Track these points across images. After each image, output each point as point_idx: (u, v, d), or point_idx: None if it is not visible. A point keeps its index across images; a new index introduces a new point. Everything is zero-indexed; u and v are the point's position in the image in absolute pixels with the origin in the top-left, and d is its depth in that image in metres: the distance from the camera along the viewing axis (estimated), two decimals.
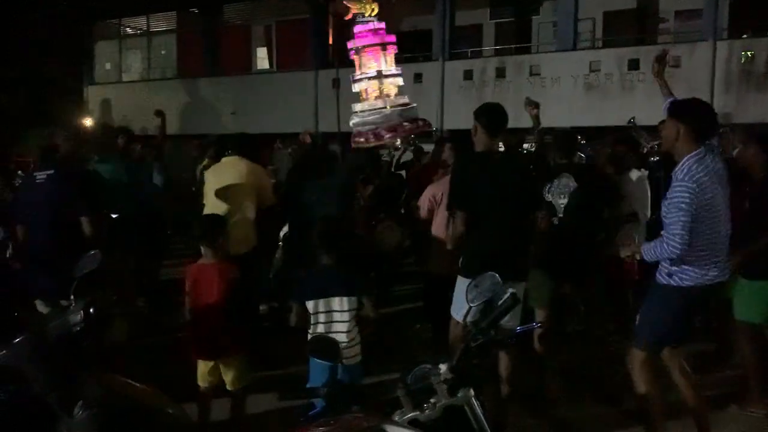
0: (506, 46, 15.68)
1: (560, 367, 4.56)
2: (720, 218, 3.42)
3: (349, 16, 7.56)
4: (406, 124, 7.34)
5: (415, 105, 7.91)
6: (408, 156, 9.43)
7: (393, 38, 7.85)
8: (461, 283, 4.08)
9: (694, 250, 3.38)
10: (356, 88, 7.70)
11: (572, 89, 13.22)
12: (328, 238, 3.64)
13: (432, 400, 1.99)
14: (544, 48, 15.26)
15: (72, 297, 2.52)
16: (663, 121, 4.02)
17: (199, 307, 3.82)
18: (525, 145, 7.83)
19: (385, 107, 7.55)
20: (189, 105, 17.56)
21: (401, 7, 15.75)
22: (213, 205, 5.06)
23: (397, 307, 6.91)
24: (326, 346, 2.41)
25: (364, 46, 7.54)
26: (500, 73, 14.31)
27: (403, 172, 8.74)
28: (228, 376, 3.88)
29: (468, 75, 14.67)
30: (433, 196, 5.06)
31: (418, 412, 1.99)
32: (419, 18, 16.69)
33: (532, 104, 5.41)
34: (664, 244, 3.36)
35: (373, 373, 4.75)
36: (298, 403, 3.34)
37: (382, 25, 7.65)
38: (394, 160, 9.57)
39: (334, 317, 3.49)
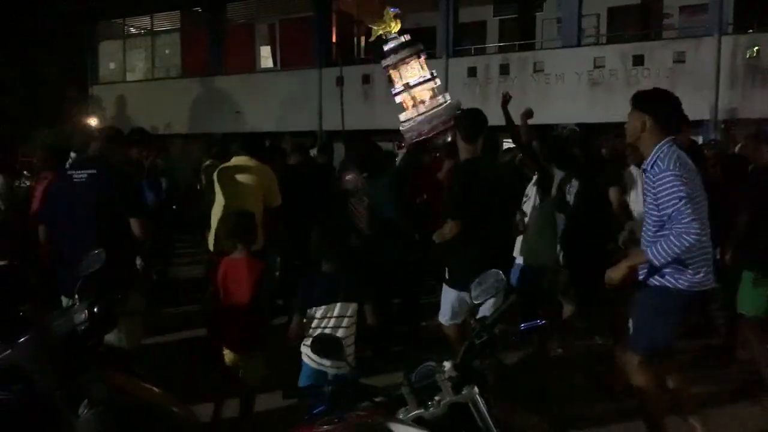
0: (510, 43, 15.64)
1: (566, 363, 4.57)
2: (705, 215, 3.27)
3: (373, 39, 7.92)
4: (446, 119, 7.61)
5: (449, 102, 8.10)
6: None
7: (421, 45, 8.28)
8: (447, 292, 4.14)
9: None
10: (398, 99, 8.17)
11: (576, 85, 13.19)
12: (329, 244, 3.63)
13: (436, 398, 1.99)
14: (548, 44, 15.23)
15: (76, 296, 2.52)
16: None
17: (228, 300, 3.95)
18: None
19: (426, 112, 7.93)
20: (193, 104, 17.59)
21: (405, 4, 15.69)
22: (222, 204, 5.13)
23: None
24: (330, 345, 2.41)
25: (401, 60, 7.98)
26: (504, 69, 14.28)
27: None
28: (246, 371, 3.95)
29: (472, 72, 14.65)
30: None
31: (422, 410, 1.99)
32: (423, 15, 16.65)
33: (527, 114, 5.28)
34: (680, 239, 3.09)
35: (377, 371, 4.77)
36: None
37: (409, 37, 8.05)
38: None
39: (334, 323, 3.48)
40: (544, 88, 13.60)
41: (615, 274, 3.35)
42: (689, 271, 3.27)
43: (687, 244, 3.10)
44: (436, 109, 7.91)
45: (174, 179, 8.33)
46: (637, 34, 14.22)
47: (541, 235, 4.67)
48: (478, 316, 2.19)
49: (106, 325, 2.62)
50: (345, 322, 3.48)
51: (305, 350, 3.52)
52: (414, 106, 8.01)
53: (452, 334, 4.16)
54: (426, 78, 8.10)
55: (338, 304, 3.47)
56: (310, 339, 3.49)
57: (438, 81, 8.26)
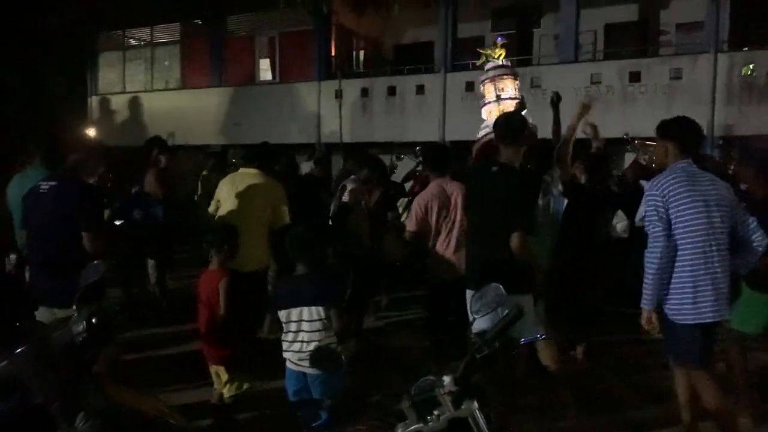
0: (508, 58, 15.69)
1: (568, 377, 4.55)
2: (705, 241, 3.40)
3: (481, 61, 8.38)
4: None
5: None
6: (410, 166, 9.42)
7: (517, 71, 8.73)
8: (468, 295, 4.11)
9: (677, 273, 3.42)
10: (484, 112, 8.57)
11: (574, 101, 13.16)
12: (300, 245, 3.62)
13: (436, 412, 1.98)
14: (546, 60, 15.31)
15: (75, 307, 2.51)
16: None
17: (203, 312, 4.01)
18: None
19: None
20: (192, 116, 17.62)
21: (404, 19, 15.84)
22: (226, 217, 4.97)
23: (402, 317, 6.94)
24: (326, 356, 2.40)
25: (499, 75, 8.50)
26: None
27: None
28: (222, 383, 3.97)
29: (470, 87, 14.67)
30: (423, 206, 4.90)
31: (422, 425, 1.98)
32: (421, 30, 16.77)
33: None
34: (647, 257, 3.48)
35: (379, 384, 4.75)
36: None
37: (508, 63, 8.66)
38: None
39: (303, 327, 3.46)
40: (541, 103, 13.58)
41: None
42: (688, 303, 3.43)
43: (649, 262, 3.45)
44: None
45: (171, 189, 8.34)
46: (634, 51, 14.31)
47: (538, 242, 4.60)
48: (476, 330, 2.18)
49: (105, 337, 2.61)
50: (309, 326, 3.44)
51: (285, 354, 3.52)
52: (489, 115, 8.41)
53: None
54: (514, 96, 8.62)
55: (304, 308, 3.45)
56: (286, 343, 3.51)
57: (524, 104, 8.70)
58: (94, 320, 2.43)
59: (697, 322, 3.42)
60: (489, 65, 8.53)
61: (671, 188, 3.44)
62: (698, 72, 12.55)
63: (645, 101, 12.39)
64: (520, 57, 15.65)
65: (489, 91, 8.59)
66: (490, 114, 8.41)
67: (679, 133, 3.62)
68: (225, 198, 5.08)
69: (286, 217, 5.10)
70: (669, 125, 3.69)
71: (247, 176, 5.12)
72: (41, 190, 3.97)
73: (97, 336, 2.50)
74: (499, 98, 8.31)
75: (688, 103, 11.51)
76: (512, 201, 3.86)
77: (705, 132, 12.06)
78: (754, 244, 3.54)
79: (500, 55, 8.76)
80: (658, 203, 3.44)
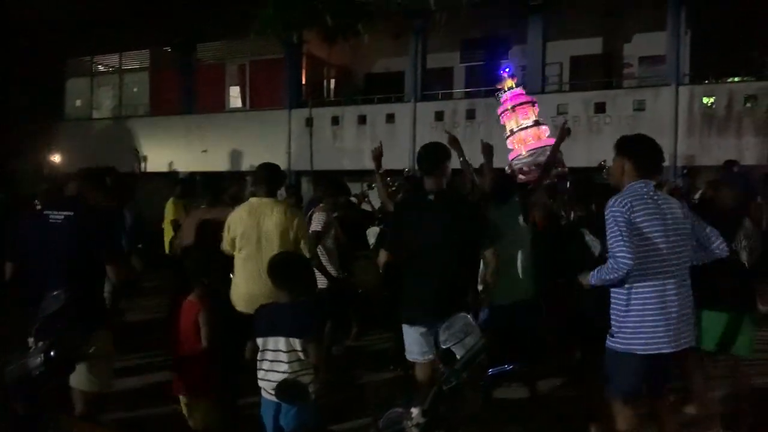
0: (476, 89, 16.00)
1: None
2: (661, 261, 3.26)
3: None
4: (526, 168, 8.32)
5: (545, 146, 8.52)
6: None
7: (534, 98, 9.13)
8: (406, 329, 4.08)
9: (629, 300, 3.28)
10: (510, 143, 8.82)
11: None
12: (281, 274, 3.58)
13: None
14: None
15: (32, 339, 2.43)
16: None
17: (181, 342, 3.91)
18: None
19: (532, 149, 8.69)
20: (160, 143, 17.49)
21: (374, 49, 16.03)
22: (247, 255, 4.46)
23: (373, 347, 6.89)
24: (294, 389, 2.36)
25: (519, 104, 8.74)
26: (470, 114, 14.58)
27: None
28: (192, 416, 3.87)
29: (439, 116, 14.90)
30: None
31: None
32: (392, 60, 16.99)
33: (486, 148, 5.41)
34: (609, 262, 3.26)
35: (346, 416, 4.70)
36: None
37: (522, 91, 9.17)
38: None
39: (279, 357, 3.41)
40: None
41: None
42: (642, 332, 3.26)
43: (613, 271, 3.24)
44: (542, 149, 8.47)
45: (140, 218, 8.23)
46: (598, 83, 14.68)
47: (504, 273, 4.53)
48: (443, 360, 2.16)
49: (63, 369, 2.52)
50: (286, 356, 3.37)
51: (261, 383, 3.46)
52: (522, 143, 8.64)
53: (423, 374, 4.01)
54: (533, 123, 8.82)
55: (281, 338, 3.40)
56: (262, 371, 3.45)
57: (545, 127, 8.93)
58: (52, 353, 2.35)
59: (648, 352, 3.25)
60: (504, 96, 8.71)
61: (636, 206, 3.27)
62: (661, 104, 12.91)
63: (610, 132, 12.67)
64: (488, 88, 15.94)
65: (510, 122, 8.80)
66: (517, 142, 8.62)
67: (638, 152, 3.46)
68: (246, 234, 4.48)
69: (311, 250, 4.73)
70: (628, 142, 3.54)
71: (266, 207, 4.53)
72: (52, 220, 3.78)
73: (55, 369, 2.42)
74: (521, 128, 8.58)
75: (651, 134, 11.49)
76: (470, 224, 3.93)
77: (668, 162, 12.44)
78: (716, 252, 3.51)
79: (511, 85, 9.07)
80: (621, 219, 3.24)
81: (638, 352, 3.28)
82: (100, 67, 20.41)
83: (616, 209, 3.28)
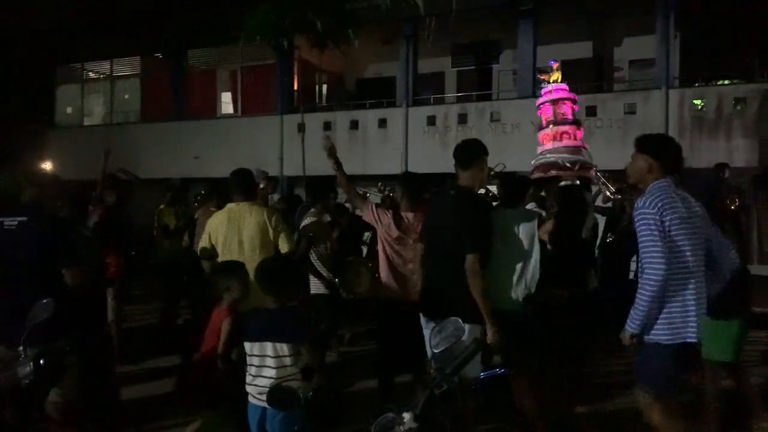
0: (468, 93, 16.05)
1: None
2: (686, 261, 3.30)
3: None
4: (568, 164, 7.87)
5: (581, 147, 8.38)
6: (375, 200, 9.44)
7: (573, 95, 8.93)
8: (422, 321, 4.07)
9: (673, 293, 3.31)
10: (540, 134, 8.76)
11: (532, 135, 13.42)
12: (270, 279, 3.57)
13: None
14: (505, 95, 15.65)
15: (21, 348, 2.41)
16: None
17: (201, 352, 3.92)
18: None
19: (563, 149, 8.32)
20: (152, 149, 17.44)
21: (366, 54, 16.07)
22: (231, 258, 4.51)
23: (366, 352, 6.87)
24: (284, 395, 2.35)
25: (558, 99, 8.68)
26: (462, 119, 14.60)
27: None
28: (204, 427, 3.85)
29: (431, 121, 14.93)
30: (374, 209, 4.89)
31: None
32: (384, 65, 17.04)
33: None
34: (643, 276, 3.26)
35: (339, 422, 4.68)
36: None
37: (565, 86, 8.89)
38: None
39: (267, 362, 3.40)
40: (500, 136, 13.93)
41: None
42: (670, 322, 3.32)
43: (651, 286, 3.25)
44: (572, 149, 8.28)
45: (132, 225, 8.20)
46: (589, 86, 14.73)
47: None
48: (436, 365, 2.16)
49: (53, 378, 2.50)
50: (273, 362, 3.37)
51: (248, 388, 3.45)
52: (553, 140, 8.49)
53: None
54: (572, 121, 8.78)
55: (268, 344, 3.39)
56: (249, 376, 3.43)
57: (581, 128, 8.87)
58: (41, 361, 2.33)
59: (687, 340, 3.32)
60: (546, 89, 8.60)
61: (665, 205, 3.30)
62: (651, 107, 12.98)
63: (601, 135, 12.73)
64: (480, 92, 16.00)
65: (546, 114, 8.71)
66: (545, 138, 8.49)
67: (666, 150, 3.52)
68: (228, 238, 4.59)
69: (291, 244, 4.76)
70: (654, 141, 3.58)
71: (244, 211, 4.64)
72: (6, 227, 3.75)
73: (45, 378, 2.40)
74: (556, 122, 8.44)
75: None
76: (462, 224, 3.81)
77: None
78: (729, 263, 3.62)
79: (557, 78, 8.97)
80: (653, 222, 3.27)
81: (668, 342, 3.34)
82: (91, 74, 20.36)
83: (647, 211, 3.31)
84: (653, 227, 3.26)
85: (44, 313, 2.58)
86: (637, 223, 3.34)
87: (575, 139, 8.59)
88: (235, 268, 4.13)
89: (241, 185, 4.78)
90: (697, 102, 12.81)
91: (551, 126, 8.51)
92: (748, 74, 13.08)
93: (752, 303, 4.62)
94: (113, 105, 19.78)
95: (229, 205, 4.76)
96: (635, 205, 3.44)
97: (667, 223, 3.29)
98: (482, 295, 3.69)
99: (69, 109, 20.56)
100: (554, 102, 8.68)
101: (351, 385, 5.83)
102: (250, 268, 3.95)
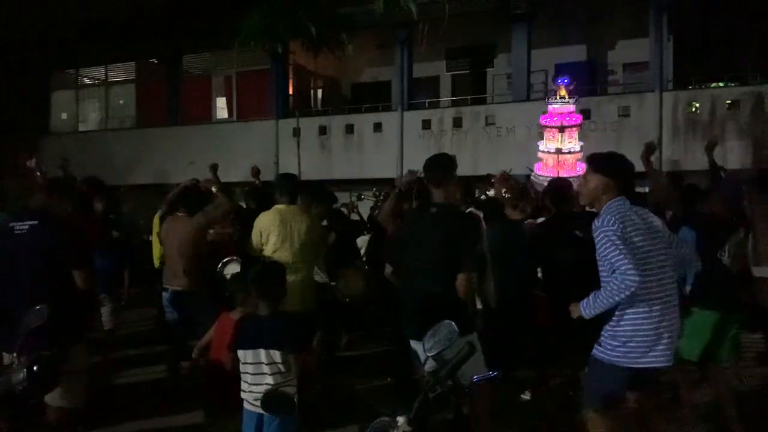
0: (462, 97, 16.08)
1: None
2: (653, 275, 3.21)
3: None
4: None
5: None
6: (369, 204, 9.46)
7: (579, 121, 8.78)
8: (412, 344, 4.00)
9: (622, 313, 3.24)
10: (542, 155, 8.67)
11: (527, 138, 13.57)
12: (265, 283, 3.57)
13: None
14: (499, 99, 15.70)
15: (15, 354, 2.41)
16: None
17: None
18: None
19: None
20: (147, 155, 17.43)
21: (361, 59, 16.09)
22: (279, 257, 4.71)
23: (362, 356, 6.87)
24: (279, 400, 2.35)
25: (568, 126, 8.61)
26: (457, 122, 14.63)
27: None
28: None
29: (426, 124, 14.96)
30: None
31: None
32: (379, 69, 17.07)
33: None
34: (613, 281, 3.14)
35: (334, 426, 4.68)
36: None
37: (573, 109, 8.72)
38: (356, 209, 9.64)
39: (262, 369, 3.39)
40: (495, 140, 13.97)
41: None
42: (628, 346, 3.23)
43: (618, 291, 3.12)
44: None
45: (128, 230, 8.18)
46: (583, 90, 14.78)
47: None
48: (429, 369, 2.17)
49: (47, 385, 2.50)
50: (268, 368, 3.36)
51: (243, 395, 3.44)
52: (555, 166, 8.50)
53: None
54: (577, 150, 8.72)
55: (262, 351, 3.39)
56: (245, 384, 3.43)
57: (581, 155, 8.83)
58: (35, 368, 2.33)
59: (646, 365, 3.21)
60: (553, 107, 8.47)
61: (625, 221, 3.23)
62: (645, 110, 13.02)
63: (595, 138, 12.75)
64: (474, 96, 16.04)
65: (550, 138, 8.62)
66: (546, 161, 8.38)
67: (620, 170, 3.42)
68: (278, 239, 4.81)
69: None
70: (608, 161, 3.46)
71: (293, 213, 4.95)
72: (17, 231, 3.75)
73: (39, 384, 2.40)
74: (560, 151, 8.42)
75: (637, 140, 11.88)
76: (456, 242, 3.78)
77: (654, 166, 12.54)
78: (693, 268, 3.67)
79: (563, 95, 8.92)
80: (616, 237, 3.16)
81: (624, 365, 3.24)
82: (86, 80, 20.34)
83: (607, 228, 3.21)
84: (618, 242, 3.15)
85: (38, 319, 2.58)
86: (599, 244, 3.23)
87: (573, 169, 8.64)
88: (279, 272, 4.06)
89: (292, 188, 5.15)
90: (692, 104, 12.86)
91: (558, 153, 8.54)
92: (741, 77, 13.15)
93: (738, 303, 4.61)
94: (108, 111, 19.74)
95: (280, 207, 5.02)
96: (593, 228, 3.31)
97: (631, 238, 3.20)
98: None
99: (64, 115, 20.51)
100: (562, 129, 8.67)
101: (347, 388, 5.83)
102: (299, 268, 4.41)
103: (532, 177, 8.68)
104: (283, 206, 4.99)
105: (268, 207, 5.21)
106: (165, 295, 5.32)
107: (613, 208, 3.31)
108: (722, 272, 4.41)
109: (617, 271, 3.13)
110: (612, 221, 3.22)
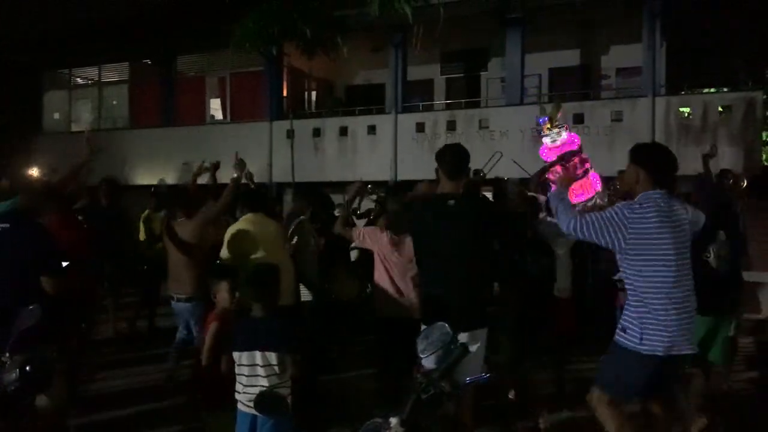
0: (456, 101, 16.11)
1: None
2: (670, 270, 3.30)
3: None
4: None
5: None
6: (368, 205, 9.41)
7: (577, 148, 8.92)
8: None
9: (638, 299, 3.35)
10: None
11: (520, 142, 13.60)
12: (259, 285, 3.57)
13: None
14: (493, 102, 15.73)
15: (8, 354, 2.41)
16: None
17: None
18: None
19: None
20: (141, 156, 17.38)
21: (355, 61, 16.09)
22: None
23: (356, 358, 6.87)
24: (272, 402, 2.36)
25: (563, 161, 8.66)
26: (451, 126, 14.65)
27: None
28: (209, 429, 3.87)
29: (420, 128, 14.97)
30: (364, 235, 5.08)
31: None
32: (373, 72, 17.09)
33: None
34: (571, 216, 3.50)
35: (326, 427, 4.68)
36: None
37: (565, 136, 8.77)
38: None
39: (257, 371, 3.39)
40: (489, 143, 13.98)
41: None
42: (649, 331, 3.31)
43: (564, 219, 3.52)
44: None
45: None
46: (577, 94, 14.84)
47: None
48: (423, 370, 2.18)
49: (39, 385, 2.50)
50: (263, 370, 3.37)
51: (237, 396, 3.44)
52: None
53: None
54: (584, 173, 8.78)
55: (257, 353, 3.39)
56: (239, 385, 3.43)
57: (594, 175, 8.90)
58: (27, 368, 2.33)
59: (656, 353, 3.29)
60: (548, 142, 8.31)
61: (643, 210, 3.34)
62: (638, 114, 13.08)
63: (588, 142, 12.72)
64: (468, 99, 16.08)
65: (556, 172, 8.54)
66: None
67: (652, 161, 3.50)
68: (248, 247, 5.10)
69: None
70: (643, 151, 3.59)
71: (257, 222, 5.26)
72: None
73: (31, 384, 2.40)
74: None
75: (629, 144, 11.75)
76: (483, 232, 3.89)
77: None
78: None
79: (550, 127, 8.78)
80: (611, 212, 3.39)
81: (643, 352, 3.32)
82: (79, 80, 20.26)
83: (618, 207, 3.44)
84: (608, 213, 3.41)
85: (31, 319, 2.57)
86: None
87: (586, 188, 8.59)
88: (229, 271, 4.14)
89: (256, 199, 5.49)
90: (685, 109, 12.93)
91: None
92: (733, 82, 13.24)
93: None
94: (101, 111, 19.68)
95: (249, 215, 5.30)
96: None
97: (649, 228, 3.32)
98: None
99: (56, 115, 20.43)
100: (563, 159, 8.53)
101: (340, 389, 5.84)
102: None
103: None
104: (252, 215, 5.28)
105: (263, 209, 5.30)
106: (173, 303, 5.43)
107: (643, 197, 3.44)
108: (710, 275, 4.40)
109: (580, 218, 3.47)
110: (629, 205, 3.41)
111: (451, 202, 3.88)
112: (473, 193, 4.08)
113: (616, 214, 3.38)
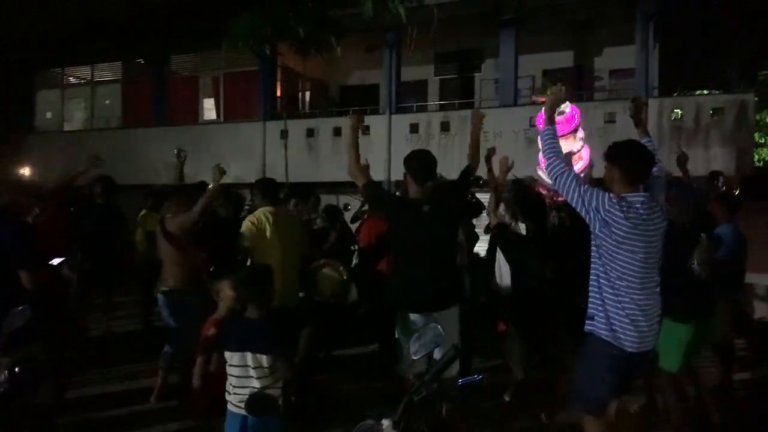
0: (450, 101, 16.12)
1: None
2: (636, 270, 3.31)
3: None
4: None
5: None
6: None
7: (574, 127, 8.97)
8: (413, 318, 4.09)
9: (602, 291, 3.36)
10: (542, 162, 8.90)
11: (514, 143, 13.62)
12: (254, 285, 3.56)
13: None
14: (487, 103, 15.74)
15: None
16: None
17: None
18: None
19: None
20: (133, 155, 17.30)
21: (349, 62, 16.08)
22: (272, 259, 4.83)
23: (347, 359, 6.86)
24: (263, 402, 2.35)
25: (563, 135, 8.80)
26: (445, 126, 14.66)
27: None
28: None
29: (414, 128, 14.98)
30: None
31: None
32: (367, 73, 17.07)
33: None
34: (563, 170, 3.55)
35: (318, 429, 4.67)
36: None
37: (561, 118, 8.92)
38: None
39: (248, 372, 3.38)
40: (482, 144, 13.88)
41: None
42: (614, 323, 3.33)
43: (553, 170, 3.59)
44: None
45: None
46: (570, 95, 14.85)
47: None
48: (415, 371, 2.17)
49: (30, 385, 2.48)
50: (254, 372, 3.36)
51: (228, 397, 3.43)
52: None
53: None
54: (574, 151, 8.90)
55: (248, 354, 3.37)
56: (230, 386, 3.42)
57: (581, 155, 8.94)
58: (17, 369, 2.31)
59: (623, 348, 3.30)
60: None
61: (617, 222, 3.31)
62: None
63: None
64: (462, 100, 16.09)
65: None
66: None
67: (625, 159, 3.47)
68: (273, 240, 5.07)
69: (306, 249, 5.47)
70: (616, 149, 3.54)
71: (281, 214, 5.29)
72: None
73: (21, 385, 2.38)
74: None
75: None
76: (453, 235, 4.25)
77: None
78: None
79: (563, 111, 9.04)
80: (599, 202, 3.36)
81: (601, 336, 3.35)
82: (71, 79, 20.16)
83: (608, 196, 3.40)
84: (595, 191, 3.40)
85: (20, 320, 2.55)
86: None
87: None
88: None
89: (272, 190, 5.53)
90: (676, 112, 12.98)
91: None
92: (725, 85, 13.29)
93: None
94: (94, 110, 19.59)
95: (267, 208, 5.25)
96: None
97: (623, 229, 3.31)
98: None
99: (49, 114, 20.33)
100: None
101: (332, 390, 5.83)
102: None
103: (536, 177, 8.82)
104: (269, 207, 5.21)
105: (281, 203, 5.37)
106: (160, 297, 5.34)
107: (623, 202, 3.37)
108: (693, 283, 4.37)
109: (570, 173, 3.54)
110: (614, 201, 3.36)
111: (426, 207, 4.14)
112: (442, 198, 4.23)
113: (602, 200, 3.36)
